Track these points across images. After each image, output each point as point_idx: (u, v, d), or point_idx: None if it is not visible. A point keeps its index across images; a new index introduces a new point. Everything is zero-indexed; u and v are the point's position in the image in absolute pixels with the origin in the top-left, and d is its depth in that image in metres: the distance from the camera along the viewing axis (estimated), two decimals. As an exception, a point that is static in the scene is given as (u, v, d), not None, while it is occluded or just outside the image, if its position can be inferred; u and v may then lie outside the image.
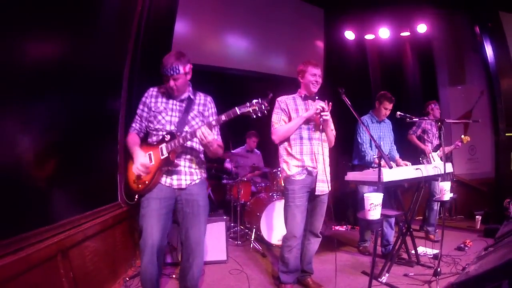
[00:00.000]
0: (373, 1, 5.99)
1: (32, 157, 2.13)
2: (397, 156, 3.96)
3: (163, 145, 2.26)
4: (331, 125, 2.94)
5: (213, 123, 2.19)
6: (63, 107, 2.44)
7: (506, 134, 5.75)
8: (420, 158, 4.44)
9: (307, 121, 2.82)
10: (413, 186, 3.79)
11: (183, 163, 2.36)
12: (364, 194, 2.41)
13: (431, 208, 4.47)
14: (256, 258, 3.87)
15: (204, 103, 2.47)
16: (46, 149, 2.25)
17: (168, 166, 2.28)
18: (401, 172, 3.08)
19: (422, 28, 5.98)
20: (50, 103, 2.28)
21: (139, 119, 2.45)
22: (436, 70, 6.39)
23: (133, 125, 2.47)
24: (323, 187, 2.83)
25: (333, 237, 4.22)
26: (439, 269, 2.95)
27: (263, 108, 2.08)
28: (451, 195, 3.14)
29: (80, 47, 2.62)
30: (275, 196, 4.44)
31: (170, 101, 2.38)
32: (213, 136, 2.19)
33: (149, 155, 2.30)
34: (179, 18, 4.73)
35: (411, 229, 3.48)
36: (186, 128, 2.34)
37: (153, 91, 2.42)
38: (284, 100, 2.90)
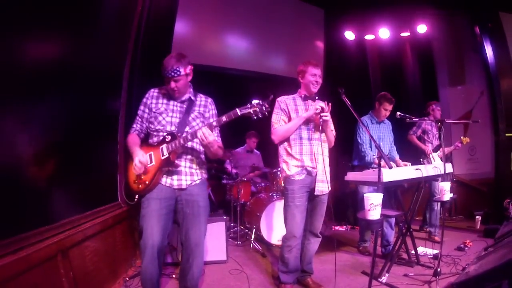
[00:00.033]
0: (373, 2, 5.99)
1: (32, 157, 2.13)
2: (397, 157, 3.96)
3: (164, 146, 2.27)
4: (331, 126, 2.94)
5: (214, 124, 2.19)
6: (63, 107, 2.44)
7: (506, 135, 5.76)
8: (421, 159, 4.45)
9: (307, 122, 2.82)
10: (413, 186, 3.79)
11: (184, 164, 2.36)
12: (364, 194, 2.41)
13: (432, 208, 4.47)
14: (256, 258, 3.87)
15: (205, 105, 2.47)
16: (46, 149, 2.25)
17: (168, 167, 2.28)
18: (401, 172, 3.08)
19: (422, 28, 5.98)
20: (50, 103, 2.28)
21: (139, 119, 2.45)
22: (436, 70, 6.40)
23: (134, 125, 2.47)
24: (323, 187, 2.83)
25: (333, 237, 4.22)
26: (439, 269, 2.95)
27: (264, 109, 2.09)
28: (451, 195, 3.14)
29: (80, 47, 2.62)
30: (275, 196, 4.44)
31: (171, 102, 2.39)
32: (214, 137, 2.20)
33: (150, 155, 2.30)
34: (179, 18, 4.73)
35: (411, 229, 3.48)
36: (187, 129, 2.35)
37: (153, 92, 2.43)
38: (284, 100, 2.91)
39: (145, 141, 2.42)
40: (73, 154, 2.56)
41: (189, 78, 2.35)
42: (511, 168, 5.67)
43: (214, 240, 3.63)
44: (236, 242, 4.41)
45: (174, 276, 3.23)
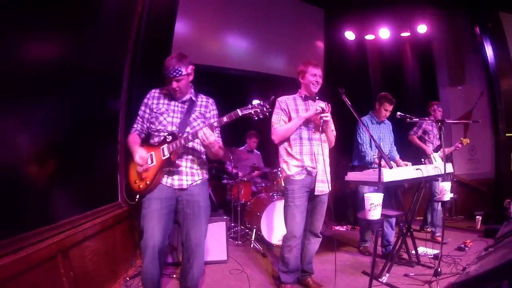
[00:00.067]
0: (373, 2, 5.99)
1: (32, 156, 2.13)
2: (397, 156, 3.96)
3: (165, 146, 2.27)
4: (332, 126, 2.94)
5: (215, 124, 2.19)
6: (63, 107, 2.44)
7: (506, 135, 5.76)
8: (422, 159, 4.44)
9: (307, 122, 2.82)
10: (414, 187, 3.78)
11: (185, 164, 2.36)
12: (365, 194, 2.41)
13: (433, 208, 4.46)
14: (256, 258, 3.87)
15: (206, 105, 2.47)
16: (46, 149, 2.25)
17: (169, 167, 2.28)
18: (401, 172, 3.08)
19: (422, 28, 5.98)
20: (50, 103, 2.29)
21: (140, 120, 2.45)
22: (436, 70, 6.39)
23: (135, 125, 2.48)
24: (323, 187, 2.83)
25: (333, 237, 4.22)
26: (439, 269, 2.95)
27: (265, 110, 2.09)
28: (451, 195, 3.14)
29: (80, 47, 2.62)
30: (275, 196, 4.44)
31: (172, 103, 2.39)
32: (215, 137, 2.19)
33: (151, 155, 2.30)
34: (179, 18, 4.73)
35: (412, 229, 3.48)
36: (188, 129, 2.35)
37: (155, 92, 2.43)
38: (284, 100, 2.91)
39: (146, 141, 2.42)
40: (73, 154, 2.56)
41: (191, 78, 2.36)
42: (511, 168, 5.67)
43: (215, 240, 3.63)
44: (236, 242, 4.41)
45: (174, 276, 3.23)
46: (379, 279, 3.03)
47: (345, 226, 5.37)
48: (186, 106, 2.40)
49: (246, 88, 5.72)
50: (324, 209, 2.93)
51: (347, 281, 3.15)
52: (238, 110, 2.11)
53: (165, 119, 2.35)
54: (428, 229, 4.80)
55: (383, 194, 2.38)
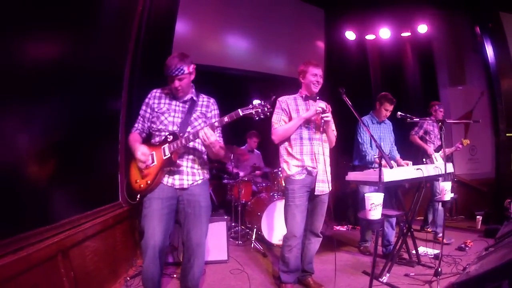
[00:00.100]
0: (373, 2, 5.99)
1: (32, 157, 2.13)
2: (397, 156, 3.96)
3: (166, 146, 2.27)
4: (332, 126, 2.95)
5: (216, 124, 2.20)
6: (64, 107, 2.44)
7: (507, 135, 5.76)
8: (424, 159, 4.44)
9: (307, 122, 2.82)
10: (414, 186, 3.78)
11: (186, 164, 2.36)
12: (365, 194, 2.41)
13: (435, 208, 4.44)
14: (257, 258, 3.87)
15: (207, 105, 2.48)
16: (46, 149, 2.26)
17: (170, 167, 2.28)
18: (402, 172, 3.08)
19: (422, 28, 5.98)
20: (51, 103, 2.29)
21: (141, 119, 2.46)
22: (436, 70, 6.39)
23: (136, 125, 2.48)
24: (323, 187, 2.83)
25: (333, 237, 4.22)
26: (439, 269, 2.95)
27: (266, 110, 2.09)
28: (452, 195, 3.14)
29: (81, 47, 2.62)
30: (275, 196, 4.44)
31: (173, 102, 2.39)
32: (216, 137, 2.20)
33: (152, 155, 2.30)
34: (180, 18, 4.73)
35: (412, 229, 3.48)
36: (189, 129, 2.35)
37: (156, 92, 2.44)
38: (285, 100, 2.91)
39: (147, 141, 2.43)
40: (74, 154, 2.57)
41: (192, 77, 2.37)
42: (511, 168, 5.67)
43: (215, 240, 3.63)
44: (237, 242, 4.41)
45: (175, 276, 3.23)
46: (380, 279, 3.03)
47: (345, 226, 5.37)
48: (187, 106, 2.41)
49: (246, 88, 5.72)
50: (325, 209, 2.93)
51: (347, 281, 3.15)
52: (239, 110, 2.11)
53: (166, 118, 2.35)
54: (428, 229, 4.80)
55: (383, 194, 2.38)
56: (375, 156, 3.63)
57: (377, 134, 3.89)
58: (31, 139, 2.11)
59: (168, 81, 2.32)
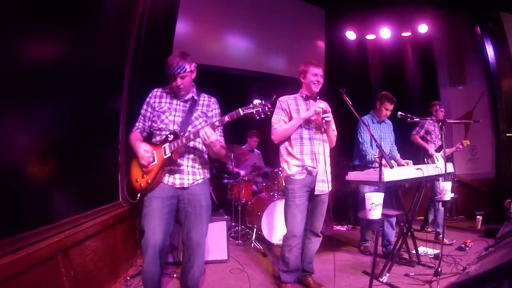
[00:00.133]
0: (374, 1, 5.99)
1: (33, 156, 2.13)
2: (398, 156, 3.96)
3: (166, 145, 2.27)
4: (333, 126, 2.94)
5: (217, 123, 2.20)
6: (64, 107, 2.44)
7: (507, 135, 5.76)
8: (425, 159, 4.43)
9: (308, 121, 2.82)
10: (415, 186, 3.78)
11: (186, 163, 2.36)
12: (365, 194, 2.41)
13: (436, 209, 4.43)
14: (257, 258, 3.88)
15: (208, 104, 2.48)
16: (47, 148, 2.26)
17: (170, 166, 2.29)
18: (402, 172, 3.08)
19: (423, 28, 5.98)
20: (51, 103, 2.29)
21: (142, 118, 2.47)
22: (436, 70, 6.38)
23: (137, 124, 2.49)
24: (323, 187, 2.83)
25: (333, 237, 4.22)
26: (439, 269, 2.95)
27: (267, 109, 2.09)
28: (452, 195, 3.14)
29: (81, 47, 2.63)
30: (276, 196, 4.44)
31: (174, 101, 2.40)
32: (216, 137, 2.20)
33: (152, 154, 2.31)
34: (180, 18, 4.73)
35: (412, 229, 3.48)
36: (190, 128, 2.35)
37: (157, 91, 2.44)
38: (285, 100, 2.91)
39: (148, 140, 2.43)
40: (74, 153, 2.57)
41: (194, 75, 2.38)
42: (511, 168, 5.66)
43: (215, 240, 3.64)
44: (237, 241, 4.41)
45: (175, 275, 3.23)
46: (380, 279, 3.03)
47: (345, 226, 5.38)
48: (188, 105, 2.41)
49: (246, 88, 5.73)
50: (325, 208, 2.93)
51: (347, 280, 3.15)
52: (239, 109, 2.11)
53: (167, 117, 2.35)
54: (428, 229, 4.80)
55: (383, 194, 2.38)
56: (375, 156, 3.63)
57: (378, 133, 3.89)
58: (31, 139, 2.12)
59: (169, 79, 2.32)
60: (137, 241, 3.39)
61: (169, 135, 2.29)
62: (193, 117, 2.39)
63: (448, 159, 4.31)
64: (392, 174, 2.88)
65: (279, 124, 2.86)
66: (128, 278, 3.07)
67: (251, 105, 2.09)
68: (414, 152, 4.58)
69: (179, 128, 2.33)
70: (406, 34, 6.25)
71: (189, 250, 2.38)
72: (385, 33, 6.19)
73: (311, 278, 3.05)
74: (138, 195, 2.34)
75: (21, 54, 1.99)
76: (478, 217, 5.13)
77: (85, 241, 2.56)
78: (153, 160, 2.30)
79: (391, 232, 3.82)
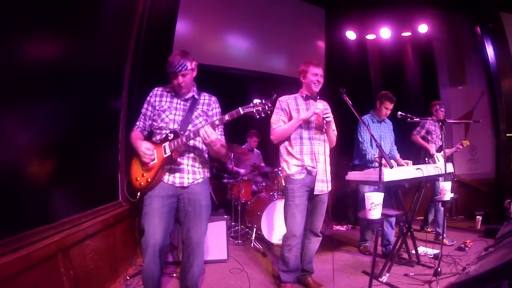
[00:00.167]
0: (374, 1, 5.99)
1: (33, 156, 2.13)
2: (397, 156, 3.96)
3: (166, 144, 2.28)
4: (333, 126, 2.94)
5: (217, 122, 2.20)
6: (64, 107, 2.44)
7: (507, 135, 5.76)
8: (426, 159, 4.42)
9: (308, 121, 2.83)
10: (415, 186, 3.78)
11: (186, 162, 2.37)
12: (365, 194, 2.41)
13: (437, 209, 4.41)
14: (256, 258, 3.88)
15: (208, 103, 2.48)
16: (47, 148, 2.26)
17: (170, 165, 2.29)
18: (402, 172, 3.08)
19: (423, 28, 5.97)
20: (51, 103, 2.29)
21: (143, 117, 2.48)
22: (436, 70, 6.38)
23: (137, 123, 2.50)
24: (323, 186, 2.83)
25: (332, 237, 4.22)
26: (439, 269, 2.95)
27: (267, 108, 2.09)
28: (452, 195, 3.14)
29: (81, 47, 2.63)
30: (275, 196, 4.44)
31: (175, 100, 2.40)
32: (216, 136, 2.20)
33: (154, 152, 2.31)
34: (180, 18, 4.73)
35: (412, 229, 3.48)
36: (190, 127, 2.35)
37: (157, 90, 2.45)
38: (285, 100, 2.91)
39: (148, 139, 2.44)
40: (74, 153, 2.57)
41: (194, 73, 2.38)
42: (511, 168, 5.66)
43: (215, 239, 3.64)
44: (236, 241, 4.41)
45: (175, 275, 3.23)
46: (379, 279, 3.03)
47: (345, 226, 5.38)
48: (188, 104, 2.41)
49: (247, 87, 5.73)
50: (324, 208, 2.93)
51: (347, 280, 3.16)
52: (239, 108, 2.12)
53: (167, 116, 2.36)
54: (428, 229, 4.80)
55: (383, 194, 2.38)
56: (375, 156, 3.63)
57: (378, 133, 3.90)
58: (32, 138, 2.12)
59: (171, 78, 2.33)
60: (137, 240, 3.39)
61: (169, 134, 2.30)
62: (193, 116, 2.39)
63: (448, 159, 4.31)
64: (391, 174, 2.88)
65: (278, 124, 2.86)
66: (128, 277, 3.07)
67: (251, 104, 2.10)
68: (414, 152, 4.58)
69: (179, 127, 2.34)
70: (406, 34, 6.24)
71: (188, 249, 2.38)
72: (385, 33, 6.19)
73: (311, 278, 3.05)
74: (138, 194, 2.34)
75: (21, 54, 1.99)
76: (478, 217, 5.13)
77: (85, 240, 2.56)
78: (154, 158, 2.30)
79: (391, 232, 3.82)
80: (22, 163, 2.05)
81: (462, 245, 3.96)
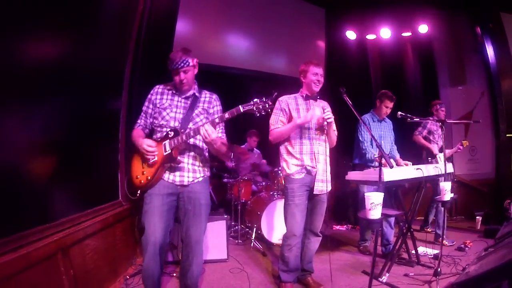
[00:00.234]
0: (374, 1, 5.99)
1: (33, 155, 2.14)
2: (397, 156, 3.96)
3: (167, 142, 2.28)
4: (333, 126, 2.94)
5: (217, 120, 2.20)
6: (64, 106, 2.45)
7: (507, 135, 5.76)
8: (429, 158, 4.41)
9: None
10: (415, 186, 3.78)
11: (186, 160, 2.37)
12: (365, 194, 2.41)
13: (439, 210, 4.37)
14: (256, 257, 3.88)
15: (209, 101, 2.48)
16: (47, 148, 2.26)
17: (171, 163, 2.29)
18: (402, 172, 3.08)
19: (423, 28, 5.97)
20: (51, 102, 2.29)
21: (144, 115, 2.48)
22: (437, 70, 6.38)
23: (138, 121, 2.50)
24: (322, 186, 2.83)
25: (330, 237, 4.23)
26: (439, 269, 2.95)
27: (267, 106, 2.09)
28: (452, 195, 3.13)
29: (81, 47, 2.63)
30: (275, 195, 4.44)
31: (175, 98, 2.41)
32: (216, 134, 2.20)
33: (156, 149, 2.31)
34: (180, 18, 4.73)
35: (412, 229, 3.48)
36: (190, 125, 2.35)
37: (158, 88, 2.45)
38: (285, 100, 2.91)
39: (149, 137, 2.44)
40: (74, 153, 2.57)
41: (196, 71, 2.39)
42: (511, 169, 5.66)
43: (215, 239, 3.64)
44: (236, 241, 4.41)
45: (175, 274, 3.23)
46: (379, 279, 3.03)
47: (345, 226, 5.38)
48: (189, 102, 2.42)
49: (247, 87, 5.72)
50: (324, 208, 2.93)
51: (347, 280, 3.16)
52: (240, 106, 2.12)
53: (168, 114, 2.36)
54: (428, 229, 4.80)
55: (383, 194, 2.38)
56: (375, 155, 3.63)
57: (378, 132, 3.90)
58: (32, 138, 2.12)
59: (172, 74, 2.33)
60: (137, 240, 3.39)
61: (169, 132, 2.30)
62: (194, 114, 2.39)
63: (448, 159, 4.30)
64: (391, 174, 2.89)
65: (276, 125, 2.87)
66: (128, 277, 3.07)
67: (251, 102, 2.09)
68: (414, 152, 4.57)
69: (180, 125, 2.34)
70: (406, 34, 6.24)
71: (187, 248, 2.38)
72: (385, 33, 6.19)
73: (311, 278, 3.05)
74: (138, 192, 2.34)
75: (21, 54, 1.99)
76: (477, 217, 5.13)
77: (85, 240, 2.56)
78: (154, 157, 2.31)
79: (390, 232, 3.82)
80: (21, 162, 2.04)
81: (462, 245, 3.96)
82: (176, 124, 2.35)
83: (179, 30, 4.72)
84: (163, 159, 2.29)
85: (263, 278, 3.26)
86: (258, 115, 2.10)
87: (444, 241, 4.28)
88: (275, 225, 4.28)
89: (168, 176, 2.34)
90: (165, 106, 2.37)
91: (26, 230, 1.99)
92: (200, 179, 2.41)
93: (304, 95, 2.93)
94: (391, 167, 2.77)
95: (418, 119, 3.73)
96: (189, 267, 2.37)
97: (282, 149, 2.93)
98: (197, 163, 2.41)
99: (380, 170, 2.76)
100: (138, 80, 3.63)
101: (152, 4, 3.79)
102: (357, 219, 5.10)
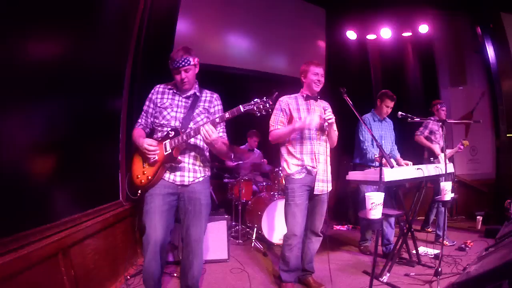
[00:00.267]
0: (374, 1, 5.99)
1: (34, 155, 2.13)
2: (398, 155, 3.96)
3: (167, 141, 2.28)
4: (334, 126, 2.94)
5: (217, 120, 2.20)
6: (65, 106, 2.44)
7: (507, 135, 5.75)
8: (432, 158, 4.40)
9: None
10: (415, 186, 3.78)
11: (187, 160, 2.37)
12: (366, 194, 2.41)
13: (439, 210, 4.37)
14: (257, 257, 3.88)
15: (210, 100, 2.48)
16: (47, 147, 2.26)
17: (171, 163, 2.29)
18: (403, 172, 3.08)
19: (423, 28, 5.98)
20: (52, 102, 2.29)
21: (144, 115, 2.48)
22: (437, 70, 6.39)
23: (139, 120, 2.50)
24: (323, 186, 2.83)
25: (332, 237, 4.22)
26: (440, 269, 2.95)
27: (268, 106, 2.08)
28: (452, 195, 3.13)
29: (82, 47, 2.63)
30: (276, 195, 4.44)
31: (176, 97, 2.41)
32: (217, 134, 2.20)
33: (157, 148, 2.31)
34: (181, 17, 4.73)
35: (412, 229, 3.48)
36: (191, 125, 2.35)
37: (159, 87, 2.45)
38: (285, 100, 2.91)
39: (150, 136, 2.44)
40: (75, 152, 2.57)
41: (197, 70, 2.39)
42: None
43: (216, 239, 3.64)
44: (237, 241, 4.41)
45: (175, 274, 3.22)
46: (380, 279, 3.03)
47: (346, 226, 5.38)
48: (190, 101, 2.41)
49: (247, 87, 5.71)
50: (324, 208, 2.93)
51: (348, 280, 3.16)
52: (240, 106, 2.11)
53: (168, 113, 2.36)
54: (429, 230, 4.80)
55: (384, 194, 2.38)
56: (375, 155, 3.63)
57: (378, 132, 3.90)
58: (32, 138, 2.12)
59: (173, 74, 2.33)
60: (137, 240, 3.39)
61: (170, 132, 2.30)
62: (195, 113, 2.39)
63: (448, 159, 4.30)
64: (392, 174, 2.88)
65: (276, 126, 2.87)
66: (129, 277, 3.07)
67: (252, 102, 2.09)
68: (415, 152, 4.57)
69: (180, 125, 2.34)
70: (407, 34, 6.25)
71: (188, 247, 2.38)
72: (386, 33, 6.19)
73: (312, 278, 3.05)
74: (139, 192, 2.34)
75: (21, 54, 1.99)
76: (478, 217, 5.12)
77: (86, 240, 2.56)
78: (154, 157, 2.31)
79: (390, 232, 3.82)
80: (22, 162, 2.04)
81: (463, 245, 3.96)
82: (177, 123, 2.35)
83: (180, 30, 4.72)
84: (163, 158, 2.28)
85: (264, 278, 3.26)
86: (258, 115, 2.09)
87: (445, 241, 4.28)
88: (275, 225, 4.28)
89: (168, 176, 2.33)
90: (166, 105, 2.37)
91: (27, 230, 1.98)
92: (201, 179, 2.41)
93: (304, 95, 2.93)
94: (392, 167, 2.77)
95: (418, 119, 3.73)
96: (190, 266, 2.37)
97: (282, 149, 2.93)
98: (197, 163, 2.41)
99: (381, 170, 2.76)
100: (139, 79, 3.63)
101: (153, 3, 3.79)
102: (357, 219, 5.09)
